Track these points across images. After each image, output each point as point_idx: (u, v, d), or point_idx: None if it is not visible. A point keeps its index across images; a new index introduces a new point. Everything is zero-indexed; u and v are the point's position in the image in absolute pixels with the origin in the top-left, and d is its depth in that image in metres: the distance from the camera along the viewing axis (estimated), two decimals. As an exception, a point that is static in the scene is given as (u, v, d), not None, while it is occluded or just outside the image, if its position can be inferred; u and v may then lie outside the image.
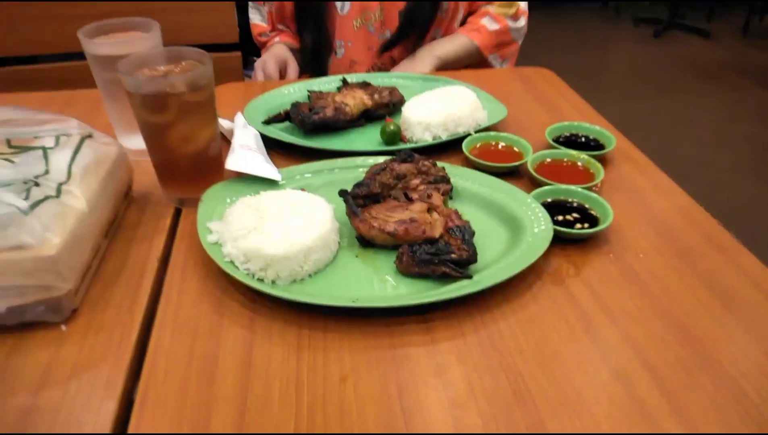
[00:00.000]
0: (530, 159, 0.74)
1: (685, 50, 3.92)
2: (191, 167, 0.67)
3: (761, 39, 4.10)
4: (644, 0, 4.82)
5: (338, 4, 1.13)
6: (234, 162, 0.67)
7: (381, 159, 0.73)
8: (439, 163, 0.71)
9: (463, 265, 0.57)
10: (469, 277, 0.56)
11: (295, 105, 0.85)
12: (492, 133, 0.81)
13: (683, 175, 2.74)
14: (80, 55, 0.75)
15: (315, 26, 1.15)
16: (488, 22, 1.16)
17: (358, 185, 0.65)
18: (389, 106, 0.89)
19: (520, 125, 0.87)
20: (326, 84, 0.97)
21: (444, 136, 0.81)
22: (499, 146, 0.80)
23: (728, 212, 2.24)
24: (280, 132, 0.83)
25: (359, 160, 0.74)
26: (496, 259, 0.59)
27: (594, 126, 0.82)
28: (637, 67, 3.71)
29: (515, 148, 0.79)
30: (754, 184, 2.47)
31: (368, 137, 0.85)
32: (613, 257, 0.61)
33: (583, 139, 0.82)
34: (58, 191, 0.54)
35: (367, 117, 0.88)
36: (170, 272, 0.59)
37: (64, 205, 0.53)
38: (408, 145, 0.81)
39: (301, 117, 0.82)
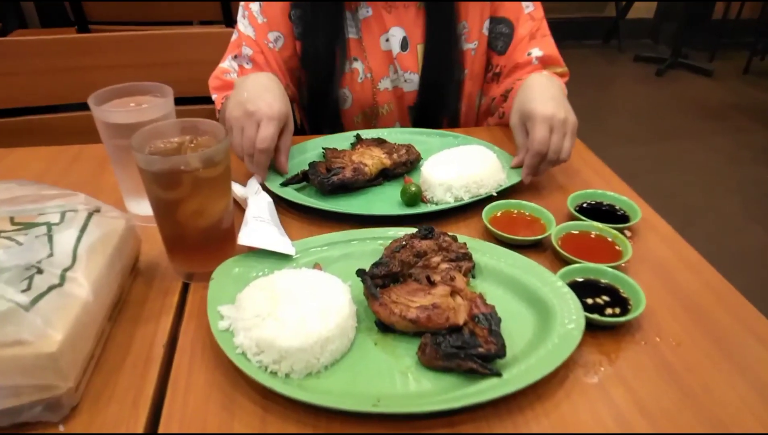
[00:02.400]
0: (554, 232, 0.71)
1: (688, 89, 3.93)
2: (202, 241, 0.64)
3: (763, 78, 4.13)
4: (646, 39, 4.88)
5: (341, 94, 1.04)
6: (247, 237, 0.64)
7: (399, 231, 0.70)
8: (460, 237, 0.68)
9: (491, 360, 0.53)
10: (499, 374, 0.52)
11: (313, 165, 0.82)
12: (513, 202, 0.78)
13: (691, 222, 2.72)
14: (87, 106, 0.73)
15: (330, 115, 1.07)
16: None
17: (376, 264, 0.62)
18: (407, 165, 0.87)
19: (537, 188, 0.85)
20: (339, 141, 0.95)
21: (466, 198, 0.79)
22: (520, 214, 0.77)
23: (739, 260, 2.22)
24: (297, 193, 0.81)
25: (377, 231, 0.71)
26: (525, 350, 0.56)
27: (618, 195, 0.79)
28: (641, 106, 3.72)
29: (537, 217, 0.76)
30: (764, 230, 2.44)
31: (387, 197, 0.83)
32: (646, 346, 0.58)
33: (606, 208, 0.79)
34: (62, 278, 0.51)
35: (384, 175, 0.86)
36: (177, 360, 0.56)
37: (68, 295, 0.50)
38: (429, 208, 0.78)
39: (320, 179, 0.80)
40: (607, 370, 0.55)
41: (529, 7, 1.04)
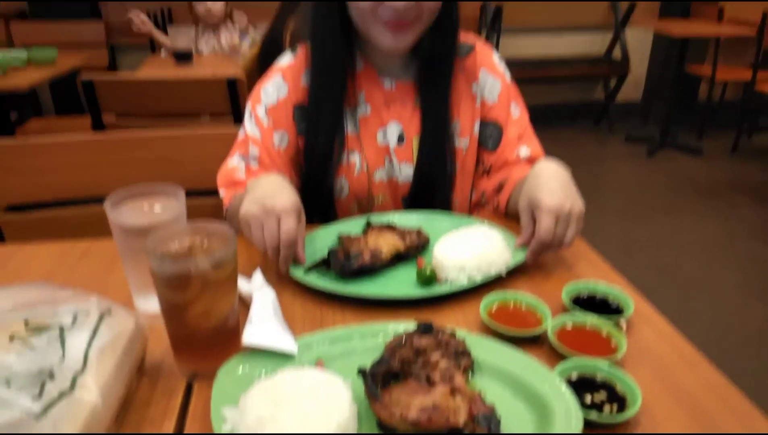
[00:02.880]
0: (551, 325, 0.73)
1: (679, 168, 4.05)
2: (208, 341, 0.66)
3: (751, 156, 4.26)
4: (635, 120, 5.08)
5: (339, 184, 1.09)
6: (250, 337, 0.66)
7: (399, 325, 0.72)
8: (458, 331, 0.70)
9: (492, 462, 0.53)
10: (499, 478, 0.52)
11: (333, 252, 0.87)
12: (509, 293, 0.80)
13: (690, 298, 2.73)
14: (99, 200, 0.77)
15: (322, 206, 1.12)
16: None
17: (377, 362, 0.63)
18: (418, 248, 0.93)
19: (532, 277, 0.88)
20: (351, 227, 1.00)
21: (478, 278, 0.84)
22: (516, 306, 0.79)
23: (741, 338, 2.21)
24: (317, 280, 0.84)
25: (377, 326, 0.73)
26: (525, 451, 0.56)
27: (611, 287, 0.82)
28: (633, 185, 3.82)
29: (533, 310, 0.78)
30: (764, 305, 2.45)
31: (402, 280, 0.87)
32: (646, 445, 0.58)
33: (600, 300, 0.81)
34: (73, 384, 0.53)
35: (398, 258, 0.91)
36: (180, 465, 0.56)
37: (78, 401, 0.51)
38: (445, 289, 0.82)
39: (341, 265, 0.84)
40: (608, 472, 0.55)
41: (515, 113, 1.13)
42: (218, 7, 3.10)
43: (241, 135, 1.07)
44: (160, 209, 0.75)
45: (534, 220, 0.87)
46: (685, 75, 4.38)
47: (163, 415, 0.62)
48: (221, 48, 3.15)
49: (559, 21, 4.71)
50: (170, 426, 0.61)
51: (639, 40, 4.79)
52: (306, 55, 1.07)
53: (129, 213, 0.74)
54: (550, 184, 0.87)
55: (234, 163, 1.05)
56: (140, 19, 3.06)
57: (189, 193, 1.07)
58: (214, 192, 1.07)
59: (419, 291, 0.83)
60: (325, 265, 0.87)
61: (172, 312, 0.64)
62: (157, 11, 3.96)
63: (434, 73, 1.07)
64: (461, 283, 0.84)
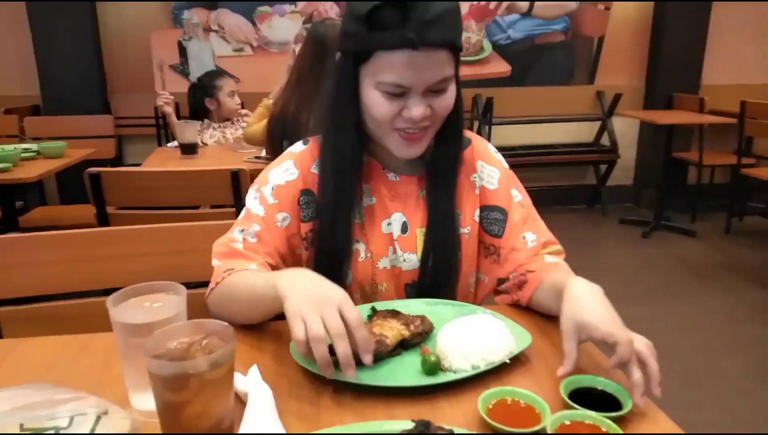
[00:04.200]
0: (550, 422, 0.72)
1: (675, 250, 4.09)
2: (203, 442, 0.65)
3: (744, 237, 4.32)
4: (628, 203, 5.19)
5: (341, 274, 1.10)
6: (246, 438, 0.66)
7: (396, 424, 0.72)
8: (457, 431, 0.70)
9: None
10: None
11: None
12: (507, 389, 0.80)
13: (697, 385, 2.67)
14: (100, 293, 0.78)
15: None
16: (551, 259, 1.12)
17: (375, 465, 0.62)
18: (422, 335, 0.93)
19: (530, 370, 0.88)
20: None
21: (482, 366, 0.85)
22: (515, 402, 0.78)
23: (748, 427, 2.14)
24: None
25: (372, 425, 0.72)
26: None
27: (609, 381, 0.82)
28: (630, 268, 3.84)
29: (531, 405, 0.77)
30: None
31: (407, 367, 0.87)
32: None
33: (598, 394, 0.81)
34: (65, 491, 0.52)
35: (402, 345, 0.91)
36: None
37: (69, 511, 0.51)
38: (450, 377, 0.83)
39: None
40: None
41: (517, 196, 1.17)
42: (238, 103, 3.28)
43: (243, 213, 1.10)
44: (160, 306, 0.77)
45: (578, 347, 0.83)
46: (673, 160, 4.53)
47: None
48: (225, 140, 3.27)
49: (547, 111, 4.93)
50: None
51: (626, 128, 4.99)
52: (317, 147, 1.13)
53: (130, 310, 0.76)
54: (599, 312, 0.84)
55: (232, 235, 1.07)
56: (166, 100, 3.16)
57: (191, 285, 1.09)
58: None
59: (423, 379, 0.83)
60: (332, 352, 0.85)
61: (168, 412, 0.64)
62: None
63: (441, 169, 1.12)
64: (465, 371, 0.84)
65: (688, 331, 2.91)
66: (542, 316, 1.05)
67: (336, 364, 0.79)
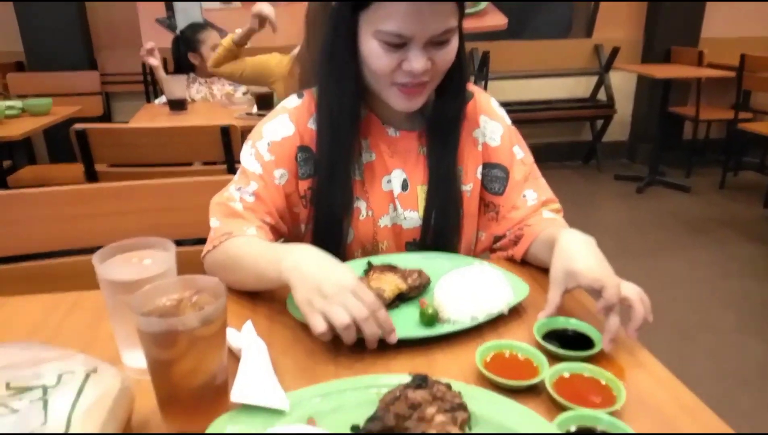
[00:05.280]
0: (548, 375, 0.71)
1: (669, 205, 4.09)
2: (196, 399, 0.64)
3: (739, 192, 4.32)
4: (623, 158, 5.16)
5: (343, 232, 1.07)
6: (239, 393, 0.65)
7: (393, 378, 0.71)
8: (454, 383, 0.69)
9: None
10: None
11: None
12: (505, 342, 0.79)
13: (687, 338, 2.70)
14: (90, 251, 0.76)
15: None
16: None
17: (371, 419, 0.62)
18: (419, 288, 0.92)
19: (527, 322, 0.87)
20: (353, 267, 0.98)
21: (481, 317, 0.84)
22: (512, 355, 0.78)
23: (740, 379, 2.18)
24: None
25: (369, 378, 0.72)
26: (526, 511, 0.54)
27: (581, 322, 0.83)
28: (624, 223, 3.85)
29: (529, 358, 0.77)
30: (761, 344, 2.43)
31: (404, 320, 0.86)
32: (650, 501, 0.57)
33: (570, 335, 0.82)
34: (55, 449, 0.51)
35: (400, 298, 0.90)
36: None
37: (59, 469, 0.49)
38: (448, 328, 0.83)
39: None
40: None
41: (519, 154, 1.14)
42: None
43: (238, 172, 1.06)
44: (149, 263, 0.74)
45: (562, 295, 0.84)
46: (669, 115, 4.48)
47: (149, 479, 0.60)
48: (213, 97, 3.19)
49: (544, 66, 4.84)
50: (156, 491, 0.58)
51: (623, 83, 4.92)
52: (313, 101, 1.07)
53: (117, 267, 0.73)
54: (589, 261, 0.83)
55: (229, 193, 1.02)
56: (149, 48, 2.98)
57: (181, 242, 1.06)
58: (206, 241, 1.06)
59: (422, 331, 0.83)
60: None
61: (158, 369, 0.62)
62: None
63: (443, 125, 1.08)
64: (464, 322, 0.84)
65: (682, 286, 2.93)
66: (538, 269, 1.04)
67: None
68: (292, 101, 1.11)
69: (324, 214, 1.07)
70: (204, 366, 0.63)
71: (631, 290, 0.82)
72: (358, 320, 0.75)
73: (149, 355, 0.61)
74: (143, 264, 0.74)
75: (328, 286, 0.77)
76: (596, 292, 0.81)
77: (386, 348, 0.80)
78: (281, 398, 0.67)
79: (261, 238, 0.98)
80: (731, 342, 2.45)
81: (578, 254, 0.85)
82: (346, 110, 1.03)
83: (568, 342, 0.79)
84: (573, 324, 0.83)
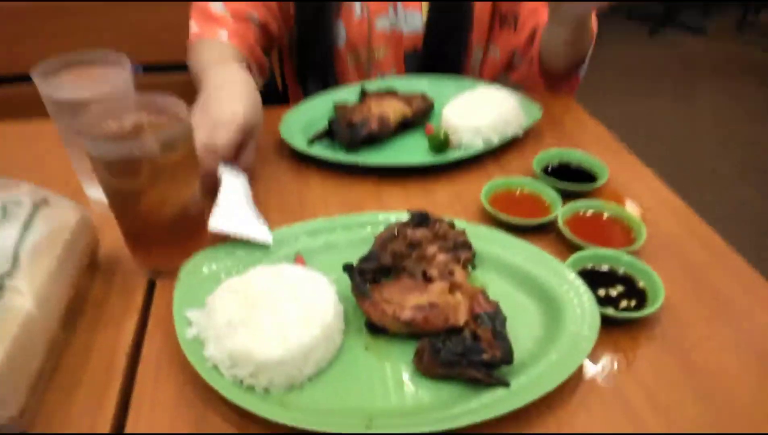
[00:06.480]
0: (561, 213, 0.64)
1: (682, 48, 3.84)
2: (167, 234, 0.56)
3: (756, 35, 4.04)
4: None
5: (335, 28, 0.96)
6: (218, 222, 0.57)
7: (390, 216, 0.63)
8: (457, 221, 0.62)
9: (496, 367, 0.47)
10: (506, 383, 0.46)
11: (335, 122, 0.78)
12: (513, 180, 0.71)
13: (687, 179, 2.64)
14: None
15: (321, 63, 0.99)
16: None
17: (365, 258, 0.55)
18: (424, 114, 0.85)
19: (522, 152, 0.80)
20: (344, 94, 0.90)
21: (495, 140, 0.78)
22: (522, 193, 0.70)
23: (734, 221, 2.18)
24: (322, 150, 0.77)
25: (365, 217, 0.64)
26: (534, 352, 0.50)
27: (586, 154, 0.75)
28: (634, 65, 3.63)
29: (539, 195, 0.69)
30: (757, 191, 2.41)
31: (411, 147, 0.80)
32: (667, 344, 0.52)
33: (574, 169, 0.74)
34: (0, 288, 0.44)
35: (403, 125, 0.83)
36: (141, 374, 0.49)
37: (7, 310, 0.43)
38: (461, 154, 0.76)
39: (348, 134, 0.76)
40: (625, 374, 0.49)
41: None
42: None
43: None
44: (101, 80, 0.62)
45: None
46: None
47: (122, 316, 0.54)
48: None
49: None
50: (131, 327, 0.53)
51: None
52: None
53: (64, 85, 0.62)
54: None
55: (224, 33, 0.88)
56: None
57: (145, 69, 0.93)
58: (174, 67, 0.93)
59: (434, 157, 0.77)
60: (327, 136, 0.79)
61: (120, 203, 0.54)
62: None
63: None
64: (477, 146, 0.77)
65: (687, 129, 2.84)
66: (548, 97, 0.93)
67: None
68: None
69: (311, 6, 0.94)
70: (172, 198, 0.54)
71: None
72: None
73: (105, 185, 0.52)
74: (93, 82, 0.62)
75: (210, 108, 0.65)
76: None
77: (381, 182, 0.73)
78: (264, 232, 0.60)
79: (232, 45, 0.86)
80: (728, 185, 2.42)
81: None
82: None
83: (571, 177, 0.71)
84: (576, 157, 0.75)
